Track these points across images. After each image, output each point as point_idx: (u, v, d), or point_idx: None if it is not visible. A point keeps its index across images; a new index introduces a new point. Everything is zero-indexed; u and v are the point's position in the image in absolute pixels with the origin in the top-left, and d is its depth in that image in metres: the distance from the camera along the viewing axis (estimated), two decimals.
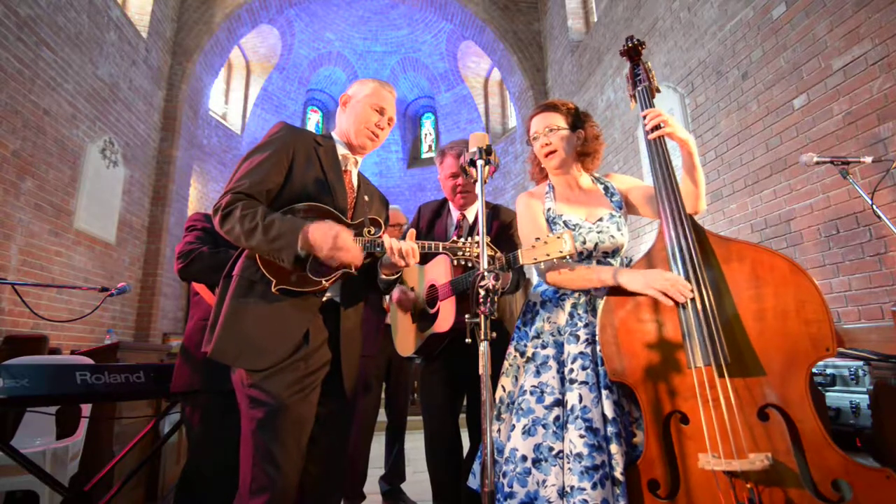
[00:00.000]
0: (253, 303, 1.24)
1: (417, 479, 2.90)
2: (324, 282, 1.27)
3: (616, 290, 1.35)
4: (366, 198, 1.51)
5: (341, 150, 1.50)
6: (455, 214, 2.08)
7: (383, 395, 2.79)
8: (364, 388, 2.65)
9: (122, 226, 5.78)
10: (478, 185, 1.20)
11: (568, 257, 1.19)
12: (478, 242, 1.24)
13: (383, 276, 1.45)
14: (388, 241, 1.30)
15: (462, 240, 1.30)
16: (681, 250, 1.27)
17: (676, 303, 1.23)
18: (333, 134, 1.54)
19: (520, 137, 8.55)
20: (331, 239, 1.19)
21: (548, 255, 1.20)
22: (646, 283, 1.26)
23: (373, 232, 1.35)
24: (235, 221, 1.21)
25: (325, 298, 1.34)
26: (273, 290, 1.24)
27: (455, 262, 1.31)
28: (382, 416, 2.75)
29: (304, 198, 1.33)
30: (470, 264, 1.31)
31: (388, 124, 1.53)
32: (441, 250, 1.31)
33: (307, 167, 1.37)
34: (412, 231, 1.36)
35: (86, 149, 5.15)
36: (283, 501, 1.15)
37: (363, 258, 1.29)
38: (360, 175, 1.56)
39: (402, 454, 2.78)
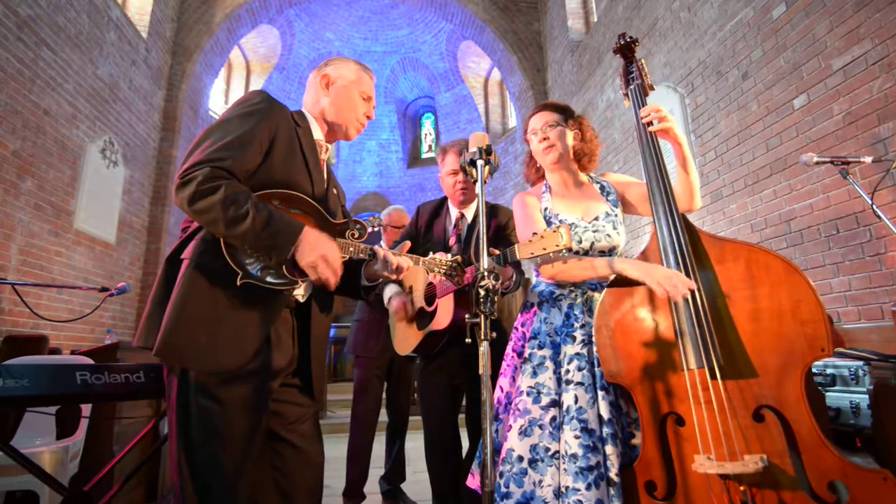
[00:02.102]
0: (212, 295, 1.08)
1: (417, 479, 2.90)
2: (299, 280, 1.15)
3: (614, 285, 1.35)
4: (334, 191, 1.38)
5: (316, 135, 1.36)
6: (454, 213, 2.08)
7: (384, 395, 2.80)
8: (364, 388, 2.66)
9: (122, 226, 5.78)
10: (478, 184, 1.21)
11: (564, 251, 1.20)
12: (455, 259, 1.28)
13: (365, 283, 1.36)
14: (384, 253, 1.24)
15: (437, 257, 1.31)
16: (673, 250, 1.27)
17: (671, 303, 1.23)
18: (307, 114, 1.38)
19: (519, 138, 8.54)
20: (325, 252, 1.10)
21: (544, 248, 1.19)
22: (646, 271, 1.26)
23: (356, 235, 1.25)
24: (216, 204, 1.03)
25: (292, 296, 1.22)
26: (238, 282, 1.08)
27: (435, 276, 1.34)
28: (384, 416, 2.75)
29: (280, 184, 1.19)
30: (442, 280, 1.35)
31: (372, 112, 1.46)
32: (420, 265, 1.31)
33: (289, 149, 1.22)
34: (407, 243, 1.35)
35: (86, 149, 5.15)
36: None
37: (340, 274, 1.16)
38: (326, 164, 1.44)
39: (402, 454, 2.78)
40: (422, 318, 1.95)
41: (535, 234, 1.22)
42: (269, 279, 1.12)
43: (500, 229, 2.01)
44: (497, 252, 1.24)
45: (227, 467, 1.04)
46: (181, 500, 1.04)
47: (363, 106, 1.41)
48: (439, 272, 1.30)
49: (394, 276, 1.25)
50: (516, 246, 1.25)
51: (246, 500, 1.07)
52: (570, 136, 1.62)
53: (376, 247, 1.26)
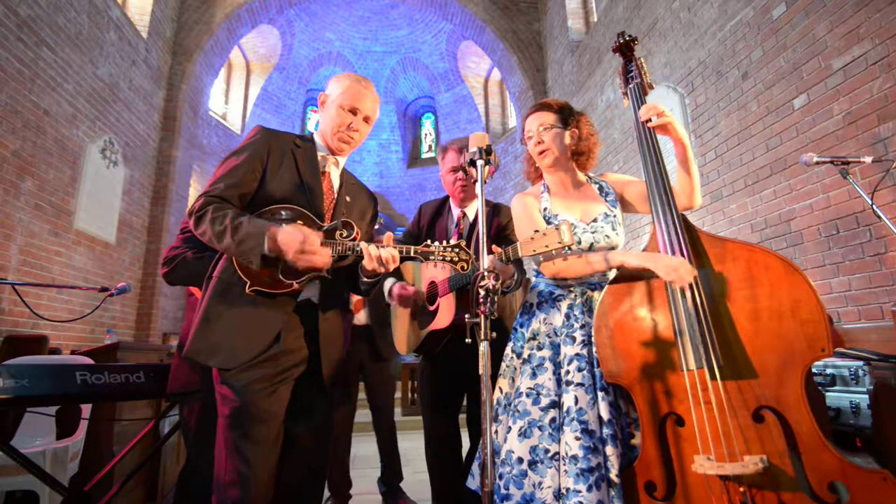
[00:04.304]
0: (228, 303, 1.27)
1: (417, 479, 2.90)
2: (295, 284, 1.28)
3: (615, 282, 1.35)
4: (348, 198, 1.49)
5: (321, 152, 1.48)
6: (455, 213, 2.07)
7: (364, 396, 2.77)
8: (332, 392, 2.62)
9: (122, 226, 5.78)
10: (478, 185, 1.20)
11: (566, 248, 1.19)
12: (452, 246, 1.28)
13: (365, 280, 1.42)
14: (366, 247, 1.28)
15: (436, 244, 1.29)
16: (673, 250, 1.27)
17: (670, 302, 1.23)
18: (314, 134, 1.53)
19: (519, 137, 8.54)
20: (297, 243, 1.19)
21: (546, 246, 1.19)
22: (652, 260, 1.26)
23: (345, 235, 1.34)
24: (207, 224, 1.24)
25: (300, 299, 1.34)
26: (247, 290, 1.26)
27: (435, 265, 1.32)
28: (368, 418, 2.73)
29: (278, 201, 1.34)
30: (444, 266, 1.33)
31: (366, 122, 1.48)
32: (414, 254, 1.30)
33: (282, 170, 1.37)
34: (389, 234, 1.35)
35: (86, 149, 5.15)
36: (255, 497, 1.17)
37: (331, 263, 1.29)
38: (344, 174, 1.53)
39: (396, 455, 2.74)
40: (422, 317, 1.95)
41: (536, 231, 1.22)
42: (273, 286, 1.27)
43: (502, 229, 2.00)
44: (499, 250, 1.24)
45: (249, 449, 1.19)
46: (219, 483, 1.20)
47: (348, 118, 1.44)
48: (438, 259, 1.28)
49: (381, 269, 1.30)
50: (518, 244, 1.24)
51: (263, 484, 1.19)
52: (567, 136, 1.59)
53: (360, 242, 1.31)
